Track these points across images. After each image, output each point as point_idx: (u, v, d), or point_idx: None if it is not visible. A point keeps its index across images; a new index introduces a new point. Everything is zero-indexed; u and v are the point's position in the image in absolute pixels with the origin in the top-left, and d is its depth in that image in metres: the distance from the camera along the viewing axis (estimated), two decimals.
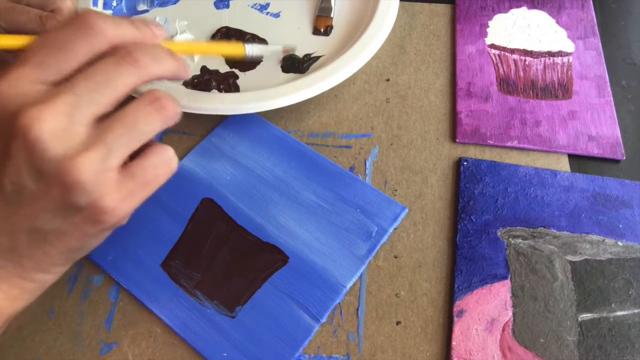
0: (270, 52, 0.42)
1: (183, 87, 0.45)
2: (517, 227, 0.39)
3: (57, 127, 0.23)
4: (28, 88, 0.24)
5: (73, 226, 0.25)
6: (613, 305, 0.36)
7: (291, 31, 0.50)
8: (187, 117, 0.44)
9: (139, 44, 0.26)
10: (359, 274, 0.38)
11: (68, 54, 0.24)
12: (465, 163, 0.42)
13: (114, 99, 0.25)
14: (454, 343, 0.35)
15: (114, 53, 0.25)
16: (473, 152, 0.44)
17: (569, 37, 0.50)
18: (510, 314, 0.36)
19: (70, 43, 0.24)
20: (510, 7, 0.53)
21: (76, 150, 0.23)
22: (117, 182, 0.25)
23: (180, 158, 0.43)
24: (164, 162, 0.27)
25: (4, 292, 0.27)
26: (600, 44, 0.50)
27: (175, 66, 0.27)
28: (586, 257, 0.38)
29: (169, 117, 0.26)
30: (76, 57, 0.25)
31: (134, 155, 0.26)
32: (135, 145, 0.25)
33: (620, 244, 0.38)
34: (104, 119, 0.25)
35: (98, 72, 0.24)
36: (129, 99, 0.26)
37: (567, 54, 0.49)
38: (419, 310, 0.37)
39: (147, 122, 0.25)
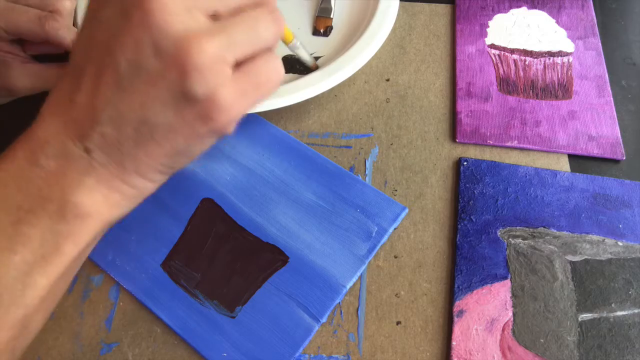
0: (305, 58, 0.43)
1: None
2: (517, 227, 0.39)
3: (178, 4, 0.22)
4: None
5: (183, 122, 0.24)
6: (613, 305, 0.36)
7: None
8: None
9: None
10: (359, 274, 0.38)
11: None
12: (465, 163, 0.42)
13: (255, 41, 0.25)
14: (454, 343, 0.35)
15: (263, 6, 0.26)
16: (473, 152, 0.44)
17: (569, 37, 0.50)
18: (510, 314, 0.36)
19: None
20: (510, 7, 0.53)
21: (199, 32, 0.23)
22: (233, 77, 0.24)
23: None
24: (275, 68, 0.26)
25: (104, 195, 0.26)
26: (600, 44, 0.50)
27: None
28: (586, 257, 0.38)
29: (280, 32, 0.26)
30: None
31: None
32: (252, 48, 0.25)
33: (620, 244, 0.38)
34: (228, 17, 0.25)
35: (252, 19, 0.25)
36: None
37: (567, 54, 0.49)
38: (419, 310, 0.37)
39: (267, 28, 0.25)
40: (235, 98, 0.24)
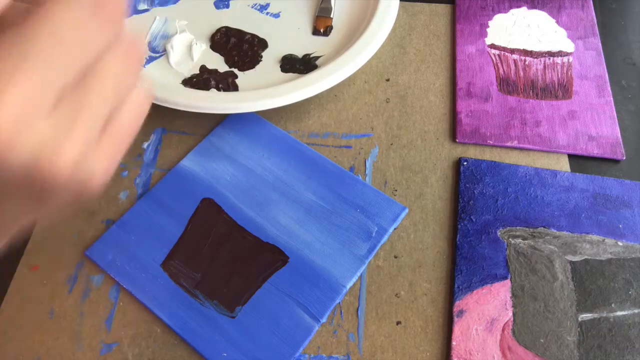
0: None
1: (182, 86, 0.45)
2: (517, 227, 0.39)
3: (14, 126, 0.17)
4: None
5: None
6: (613, 305, 0.36)
7: (291, 31, 0.50)
8: (187, 116, 0.44)
9: None
10: (359, 274, 0.38)
11: None
12: (465, 163, 0.42)
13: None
14: (454, 343, 0.35)
15: None
16: (473, 152, 0.44)
17: (569, 37, 0.50)
18: (510, 314, 0.36)
19: None
20: (510, 7, 0.53)
21: (47, 149, 0.18)
22: (99, 158, 0.20)
23: (180, 158, 0.43)
24: (138, 107, 0.22)
25: None
26: (600, 44, 0.50)
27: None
28: (586, 257, 0.38)
29: (135, 68, 0.21)
30: None
31: None
32: (112, 107, 0.20)
33: (620, 244, 0.38)
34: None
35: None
36: None
37: (567, 54, 0.49)
38: (419, 310, 0.37)
39: (123, 80, 0.20)
40: (104, 173, 0.21)
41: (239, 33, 0.50)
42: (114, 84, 0.20)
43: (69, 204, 0.22)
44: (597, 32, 0.51)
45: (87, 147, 0.20)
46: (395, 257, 0.39)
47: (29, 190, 0.20)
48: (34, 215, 0.23)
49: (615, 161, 0.43)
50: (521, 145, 0.43)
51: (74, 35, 0.18)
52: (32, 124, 0.18)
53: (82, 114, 0.19)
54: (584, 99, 0.46)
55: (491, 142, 0.44)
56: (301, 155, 0.43)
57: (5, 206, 0.21)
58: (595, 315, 0.35)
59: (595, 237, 0.38)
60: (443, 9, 0.53)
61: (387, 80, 0.48)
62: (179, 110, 0.42)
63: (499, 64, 0.49)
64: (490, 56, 0.49)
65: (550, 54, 0.49)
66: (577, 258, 0.38)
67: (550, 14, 0.52)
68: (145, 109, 0.23)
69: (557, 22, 0.52)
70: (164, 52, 0.48)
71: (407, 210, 0.40)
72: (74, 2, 0.18)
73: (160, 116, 0.46)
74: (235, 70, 0.47)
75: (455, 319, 0.36)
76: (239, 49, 0.48)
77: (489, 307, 0.36)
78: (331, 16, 0.50)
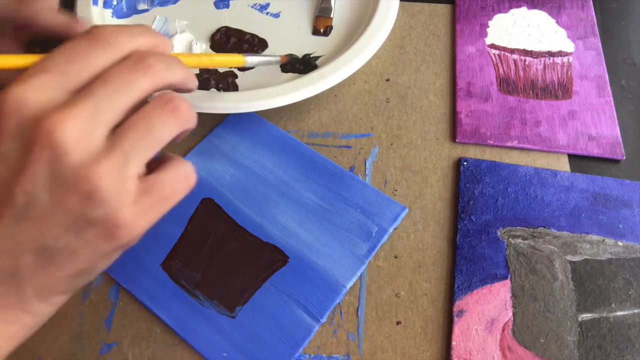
0: (268, 62, 0.42)
1: None
2: (517, 227, 0.39)
3: (80, 131, 0.22)
4: (50, 94, 0.23)
5: (85, 243, 0.24)
6: (613, 305, 0.36)
7: (291, 31, 0.50)
8: None
9: (151, 51, 0.25)
10: (359, 274, 0.38)
11: (89, 65, 0.24)
12: (465, 163, 0.42)
13: (130, 104, 0.24)
14: (454, 343, 0.35)
15: (128, 59, 0.24)
16: (473, 152, 0.44)
17: (569, 37, 0.50)
18: (510, 314, 0.36)
19: (90, 55, 0.24)
20: (510, 7, 0.53)
21: (96, 157, 0.22)
22: (134, 194, 0.24)
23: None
24: (183, 178, 0.26)
25: (1, 329, 0.24)
26: (600, 44, 0.50)
27: (185, 75, 0.27)
28: (586, 257, 0.38)
29: (185, 119, 0.25)
30: (96, 67, 0.24)
31: (153, 168, 0.25)
32: (152, 151, 0.24)
33: (620, 244, 0.38)
34: (119, 126, 0.24)
35: (115, 77, 0.24)
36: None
37: (567, 54, 0.49)
38: (419, 310, 0.37)
39: (162, 126, 0.24)
40: (138, 216, 0.24)
41: (239, 33, 0.50)
42: (150, 130, 0.24)
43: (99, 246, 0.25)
44: (597, 32, 0.51)
45: (124, 172, 0.23)
46: (395, 257, 0.39)
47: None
48: (109, 262, 0.27)
49: (615, 161, 0.43)
50: (521, 145, 0.43)
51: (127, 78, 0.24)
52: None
53: (122, 145, 0.23)
54: (584, 99, 0.46)
55: (491, 142, 0.44)
56: (301, 155, 0.43)
57: (105, 262, 0.26)
58: (595, 315, 0.35)
59: (595, 237, 0.38)
60: (443, 9, 0.53)
61: (387, 80, 0.48)
62: None
63: (499, 64, 0.49)
64: (490, 56, 0.49)
65: (550, 54, 0.49)
66: (577, 258, 0.38)
67: (550, 14, 0.52)
68: (185, 187, 0.26)
69: (557, 22, 0.52)
70: None
71: (407, 210, 0.40)
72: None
73: None
74: (235, 70, 0.47)
75: (455, 319, 0.36)
76: (239, 49, 0.48)
77: (489, 307, 0.36)
78: (331, 16, 0.50)
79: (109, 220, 0.23)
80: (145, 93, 0.25)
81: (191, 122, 0.26)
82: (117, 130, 0.24)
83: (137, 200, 0.24)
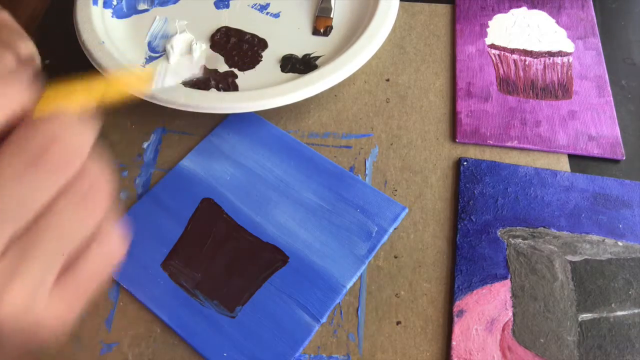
0: (185, 77, 0.39)
1: (182, 86, 0.45)
2: (517, 227, 0.39)
3: None
4: None
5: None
6: (613, 305, 0.36)
7: (291, 31, 0.50)
8: (187, 116, 0.44)
9: None
10: (359, 274, 0.38)
11: None
12: (465, 163, 0.42)
13: None
14: (454, 343, 0.35)
15: None
16: (473, 152, 0.44)
17: (569, 37, 0.50)
18: (510, 314, 0.36)
19: None
20: (510, 7, 0.53)
21: None
22: (54, 304, 0.20)
23: (180, 158, 0.43)
24: (105, 256, 0.21)
25: None
26: (600, 44, 0.50)
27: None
28: (586, 257, 0.38)
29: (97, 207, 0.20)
30: None
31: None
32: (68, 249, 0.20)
33: (620, 244, 0.38)
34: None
35: None
36: None
37: (567, 54, 0.49)
38: (419, 310, 0.37)
39: (82, 220, 0.20)
40: (59, 326, 0.21)
41: (239, 33, 0.50)
42: (67, 228, 0.19)
43: (20, 352, 0.21)
44: (597, 32, 0.51)
45: (36, 292, 0.19)
46: (395, 257, 0.39)
47: None
48: None
49: (615, 161, 0.43)
50: (521, 145, 0.43)
51: (18, 187, 0.17)
52: None
53: (29, 258, 0.18)
54: (584, 99, 0.46)
55: (491, 142, 0.44)
56: (301, 155, 0.43)
57: None
58: (595, 315, 0.35)
59: (595, 237, 0.38)
60: (443, 9, 0.53)
61: (387, 80, 0.48)
62: (179, 110, 0.42)
63: (499, 64, 0.49)
64: (490, 56, 0.49)
65: (550, 54, 0.49)
66: (577, 258, 0.38)
67: (550, 14, 0.52)
68: (114, 260, 0.22)
69: (557, 22, 0.52)
70: (164, 52, 0.48)
71: (407, 210, 0.40)
72: (14, 157, 0.17)
73: (160, 116, 0.46)
74: (235, 70, 0.47)
75: (455, 319, 0.36)
76: (239, 48, 0.48)
77: (489, 307, 0.36)
78: (331, 16, 0.50)
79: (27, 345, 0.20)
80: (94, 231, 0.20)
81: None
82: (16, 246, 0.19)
83: (54, 305, 0.21)
